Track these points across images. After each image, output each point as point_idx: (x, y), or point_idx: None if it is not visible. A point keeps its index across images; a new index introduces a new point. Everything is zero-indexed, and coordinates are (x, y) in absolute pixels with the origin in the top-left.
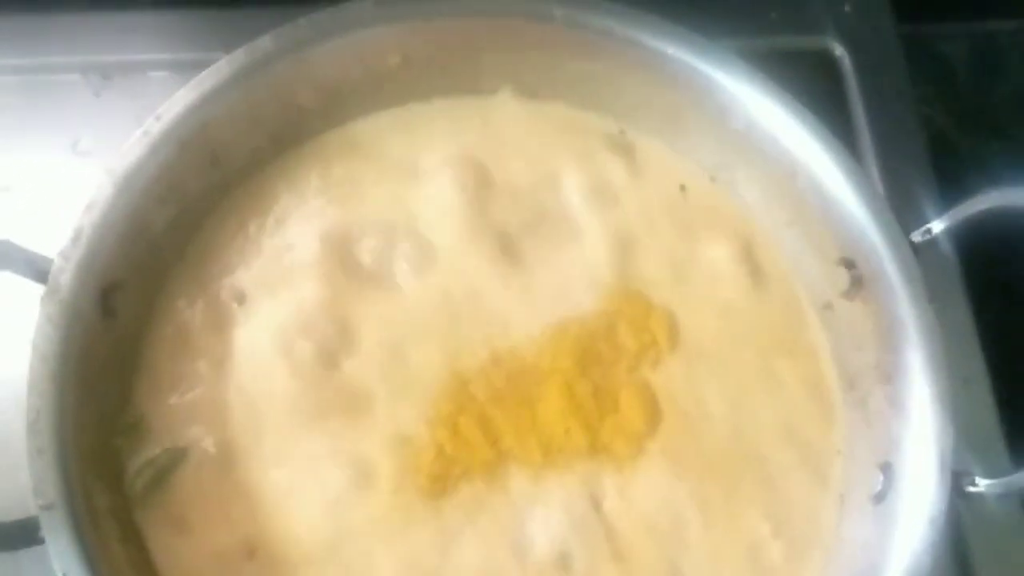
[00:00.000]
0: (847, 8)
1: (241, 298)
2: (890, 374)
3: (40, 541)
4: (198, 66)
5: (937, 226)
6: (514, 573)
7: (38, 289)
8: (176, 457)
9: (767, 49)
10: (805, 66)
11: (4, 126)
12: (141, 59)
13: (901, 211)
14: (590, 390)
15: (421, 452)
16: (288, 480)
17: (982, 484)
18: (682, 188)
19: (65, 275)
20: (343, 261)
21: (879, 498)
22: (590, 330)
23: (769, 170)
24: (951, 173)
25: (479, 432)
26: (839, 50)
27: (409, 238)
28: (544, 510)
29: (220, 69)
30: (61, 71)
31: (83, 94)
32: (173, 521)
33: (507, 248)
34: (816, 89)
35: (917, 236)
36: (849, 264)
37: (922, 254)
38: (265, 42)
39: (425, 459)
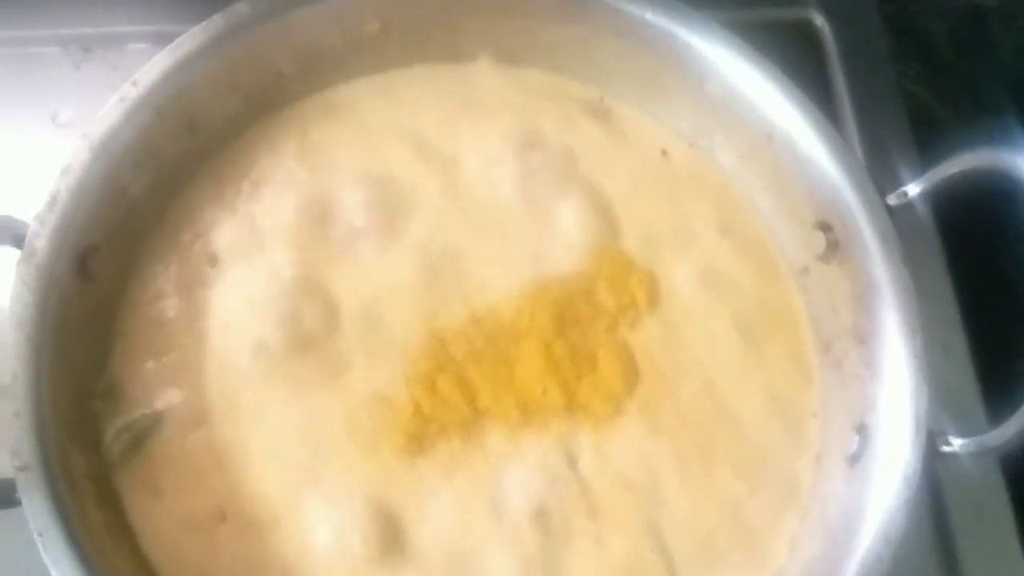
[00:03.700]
0: None
1: (214, 260)
2: (865, 336)
3: (17, 503)
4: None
5: (913, 189)
6: (491, 530)
7: (13, 255)
8: (152, 422)
9: (748, 19)
10: (786, 36)
11: None
12: (121, 31)
13: (879, 176)
14: (568, 349)
15: (398, 410)
16: (260, 443)
17: (956, 444)
18: (664, 153)
19: (41, 239)
20: (318, 225)
21: (855, 459)
22: (569, 290)
23: (746, 135)
24: (933, 146)
25: (457, 391)
26: (819, 20)
27: (386, 202)
28: (520, 468)
29: (196, 34)
30: (41, 43)
31: (63, 66)
32: (149, 485)
33: (485, 210)
34: (797, 59)
35: (893, 199)
36: (825, 227)
37: (899, 217)
38: (242, 7)
39: (402, 417)
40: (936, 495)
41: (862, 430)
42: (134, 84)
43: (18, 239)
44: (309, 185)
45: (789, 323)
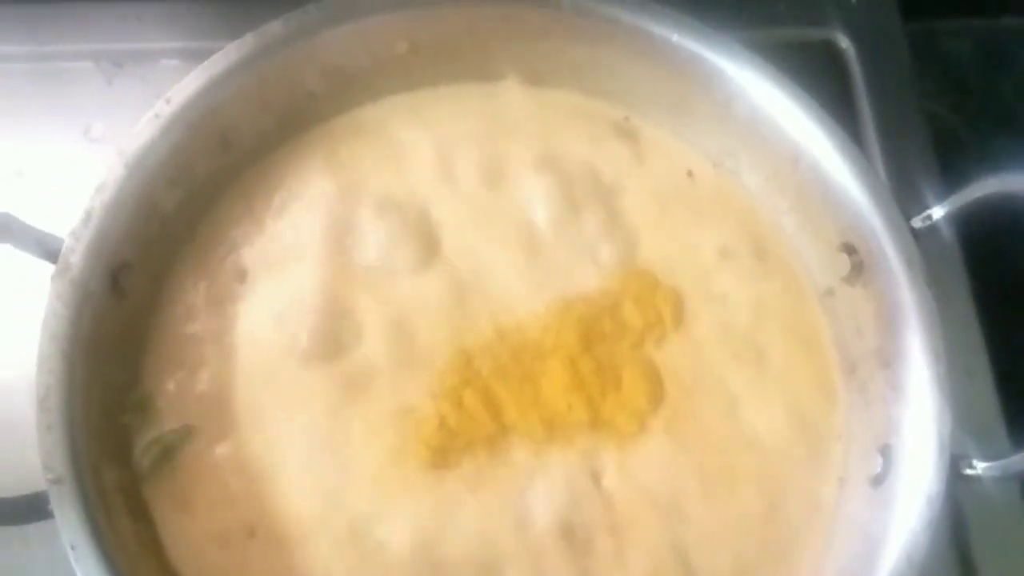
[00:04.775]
0: (853, 1)
1: (243, 276)
2: (890, 358)
3: (49, 515)
4: (209, 54)
5: (938, 212)
6: (514, 544)
7: (48, 269)
8: (182, 436)
9: (773, 40)
10: (811, 58)
11: (18, 113)
12: (153, 47)
13: (904, 199)
14: (593, 366)
15: (423, 424)
16: (288, 458)
17: (979, 467)
18: (689, 174)
19: (75, 255)
20: (346, 242)
21: (878, 481)
22: (595, 308)
23: (772, 156)
24: (957, 168)
25: (482, 406)
26: (844, 42)
27: (414, 220)
28: (545, 483)
29: (229, 53)
30: (74, 59)
31: (96, 81)
32: (178, 499)
33: (512, 229)
34: (821, 80)
35: (918, 222)
36: (850, 249)
37: (923, 240)
38: (274, 27)
39: (427, 431)
40: (958, 518)
41: (886, 452)
42: (168, 101)
43: (52, 254)
44: (338, 203)
45: (814, 344)
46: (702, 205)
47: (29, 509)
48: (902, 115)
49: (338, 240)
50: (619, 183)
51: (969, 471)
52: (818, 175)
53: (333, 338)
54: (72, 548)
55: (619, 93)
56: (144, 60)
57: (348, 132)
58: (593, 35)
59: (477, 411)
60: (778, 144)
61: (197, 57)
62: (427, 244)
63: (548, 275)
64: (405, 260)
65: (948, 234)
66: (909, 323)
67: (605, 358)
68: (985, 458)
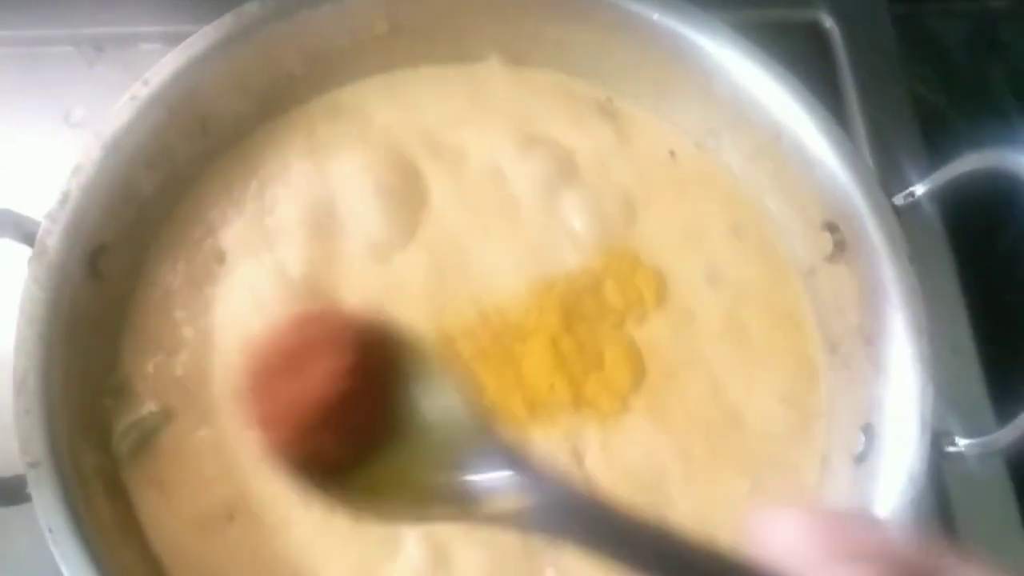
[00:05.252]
0: None
1: (221, 258)
2: (872, 336)
3: (27, 499)
4: None
5: (920, 189)
6: None
7: (25, 253)
8: (161, 419)
9: (757, 20)
10: (795, 38)
11: None
12: (134, 31)
13: (887, 177)
14: (575, 346)
15: None
16: None
17: (962, 444)
18: (671, 154)
19: (52, 237)
20: (325, 224)
21: (861, 459)
22: (576, 287)
23: (754, 135)
24: (943, 148)
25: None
26: (829, 21)
27: (393, 201)
28: None
29: (207, 34)
30: (54, 43)
31: (76, 65)
32: (157, 483)
33: (493, 209)
34: (806, 60)
35: (900, 199)
36: (832, 228)
37: (907, 218)
38: (252, 7)
39: None
40: (942, 495)
41: (868, 430)
42: (145, 83)
43: (29, 237)
44: (317, 184)
45: (796, 323)
46: (684, 185)
47: (7, 492)
48: (887, 96)
49: (317, 222)
50: (601, 163)
51: (952, 448)
52: (800, 154)
53: None
54: (50, 531)
55: (601, 73)
56: (125, 44)
57: (327, 114)
58: (575, 14)
59: None
60: (760, 123)
61: (178, 41)
62: (407, 225)
63: (529, 255)
64: (385, 242)
65: (931, 211)
66: (891, 300)
67: (587, 338)
68: (969, 435)
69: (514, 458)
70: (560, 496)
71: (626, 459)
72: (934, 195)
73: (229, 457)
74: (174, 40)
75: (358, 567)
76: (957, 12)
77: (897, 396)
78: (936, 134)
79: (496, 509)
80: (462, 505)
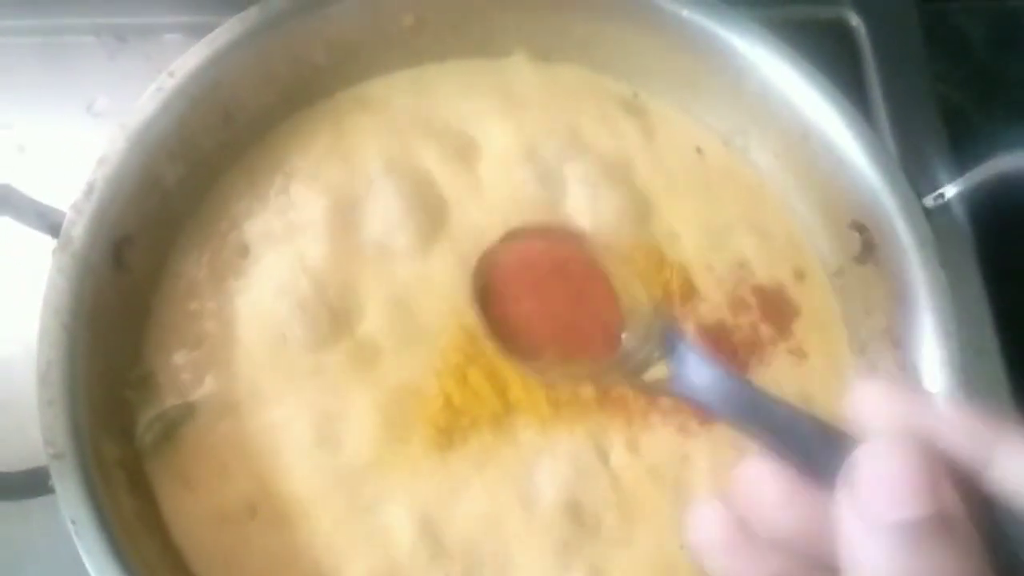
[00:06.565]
0: None
1: (245, 251)
2: (900, 338)
3: (50, 490)
4: (213, 29)
5: (950, 191)
6: (521, 522)
7: (49, 243)
8: (184, 412)
9: (784, 18)
10: (822, 35)
11: (19, 87)
12: (156, 22)
13: (915, 177)
14: None
15: (428, 403)
16: (289, 437)
17: None
18: (698, 151)
19: (77, 228)
20: (349, 217)
21: None
22: None
23: (782, 134)
24: (968, 149)
25: (487, 384)
26: (855, 20)
27: (417, 196)
28: (551, 461)
29: (233, 26)
30: (76, 33)
31: (98, 56)
32: (180, 476)
33: (517, 205)
34: (832, 59)
35: (929, 200)
36: (860, 228)
37: (935, 220)
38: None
39: (432, 409)
40: None
41: None
42: (171, 74)
43: (53, 228)
44: (341, 178)
45: (824, 324)
46: (711, 182)
47: (30, 484)
48: (913, 95)
49: (342, 216)
50: (627, 160)
51: None
52: (828, 153)
53: (335, 315)
54: (73, 523)
55: (628, 69)
56: (148, 35)
57: (353, 107)
58: (602, 9)
59: (482, 389)
60: (788, 121)
61: (201, 32)
62: (433, 220)
63: None
64: (410, 236)
65: (960, 213)
66: (920, 303)
67: None
68: None
69: (672, 337)
70: (703, 369)
71: (652, 458)
72: (964, 197)
73: (252, 452)
74: (196, 31)
75: (381, 564)
76: (982, 10)
77: None
78: (960, 133)
79: (653, 377)
80: (628, 374)
